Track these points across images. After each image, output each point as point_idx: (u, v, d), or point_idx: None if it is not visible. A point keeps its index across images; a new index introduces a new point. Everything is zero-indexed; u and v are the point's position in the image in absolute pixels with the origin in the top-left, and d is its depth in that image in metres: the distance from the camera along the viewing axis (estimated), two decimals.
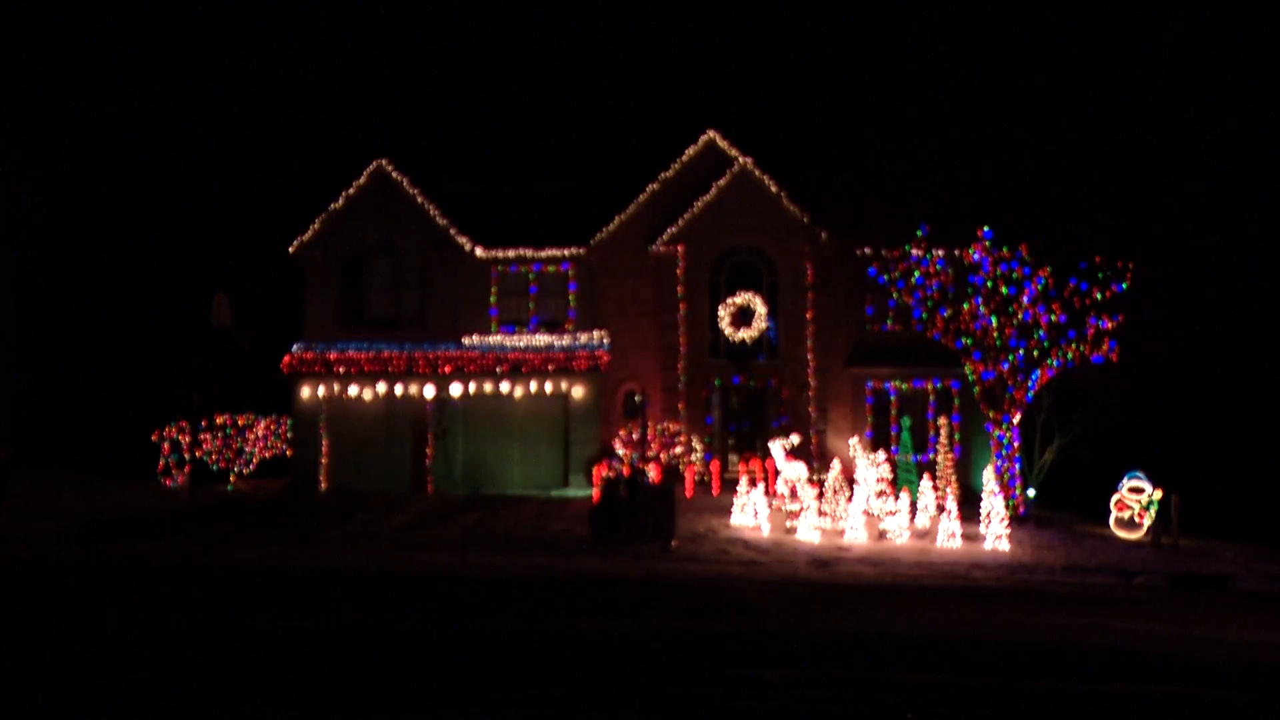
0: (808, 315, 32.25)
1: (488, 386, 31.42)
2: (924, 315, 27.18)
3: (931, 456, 31.57)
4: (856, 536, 23.21)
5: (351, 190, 33.31)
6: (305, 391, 31.91)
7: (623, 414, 32.91)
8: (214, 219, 44.03)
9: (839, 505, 24.44)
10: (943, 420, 29.16)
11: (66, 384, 40.32)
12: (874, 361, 32.34)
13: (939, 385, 32.00)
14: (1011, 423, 26.49)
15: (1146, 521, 24.53)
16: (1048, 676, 11.19)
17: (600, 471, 28.08)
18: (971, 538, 22.88)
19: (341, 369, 31.62)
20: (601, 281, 33.23)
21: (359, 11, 62.58)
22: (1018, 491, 26.50)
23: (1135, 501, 24.72)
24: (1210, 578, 20.18)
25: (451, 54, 56.69)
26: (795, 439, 25.80)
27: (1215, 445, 33.86)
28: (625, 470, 28.13)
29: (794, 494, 24.34)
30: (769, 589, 17.32)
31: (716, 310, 32.41)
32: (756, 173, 32.52)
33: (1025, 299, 26.18)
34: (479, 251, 33.16)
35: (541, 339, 32.64)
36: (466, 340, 32.73)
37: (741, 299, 32.26)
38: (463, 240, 32.94)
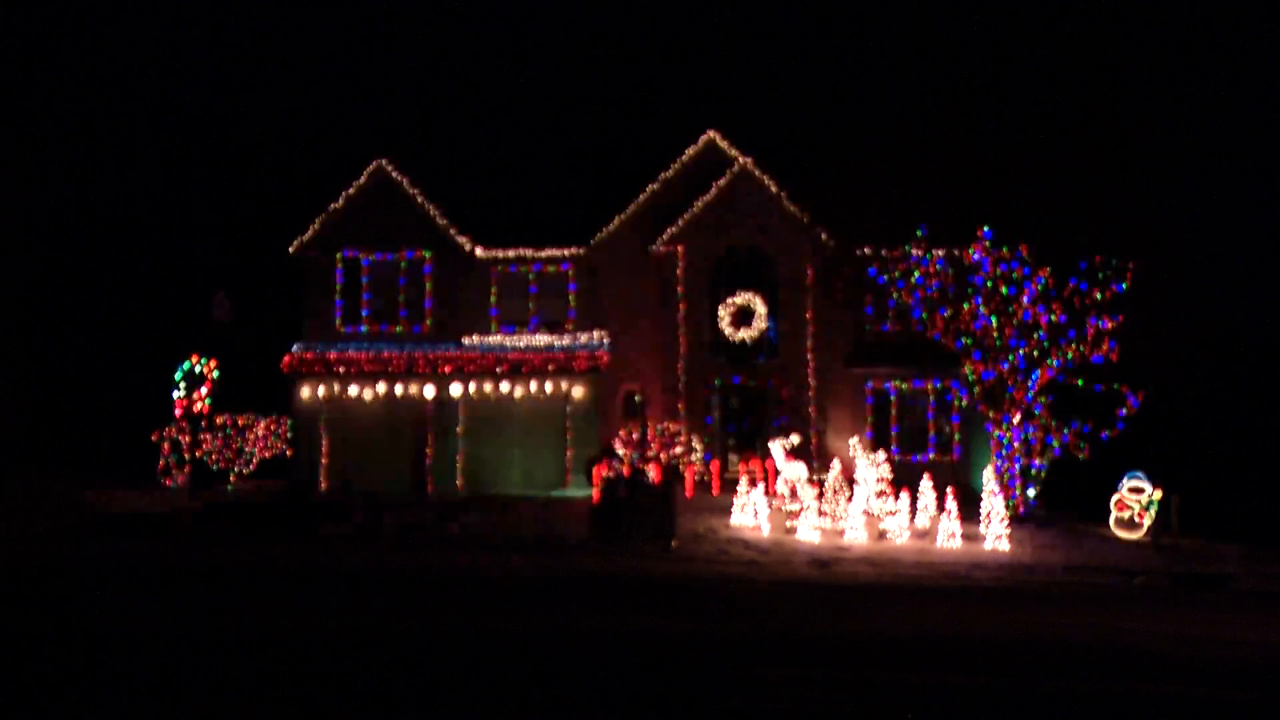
0: (808, 315, 32.24)
1: (488, 386, 31.40)
2: (924, 315, 27.17)
3: (931, 457, 31.58)
4: (856, 536, 23.20)
5: (351, 190, 33.29)
6: (305, 391, 31.90)
7: (623, 414, 32.90)
8: (214, 218, 44.02)
9: (839, 505, 24.44)
10: (942, 420, 29.07)
11: (66, 383, 40.31)
12: (874, 361, 32.33)
13: (939, 385, 31.99)
14: (1011, 423, 26.49)
15: (1146, 521, 24.52)
16: (1048, 676, 11.19)
17: (600, 471, 28.06)
18: (971, 538, 22.87)
19: (341, 369, 31.61)
20: (601, 281, 33.23)
21: (359, 11, 62.59)
22: (1018, 491, 26.49)
23: (1135, 501, 24.72)
24: (1210, 578, 20.17)
25: (451, 53, 56.68)
26: (795, 439, 25.79)
27: (1215, 445, 33.85)
28: (625, 470, 28.14)
29: (794, 494, 24.35)
30: (769, 589, 17.32)
31: (716, 310, 32.40)
32: (756, 173, 32.51)
33: (1025, 299, 26.18)
34: (479, 251, 33.16)
35: (541, 339, 32.63)
36: (466, 340, 32.72)
37: (741, 299, 32.26)
38: (463, 240, 32.93)
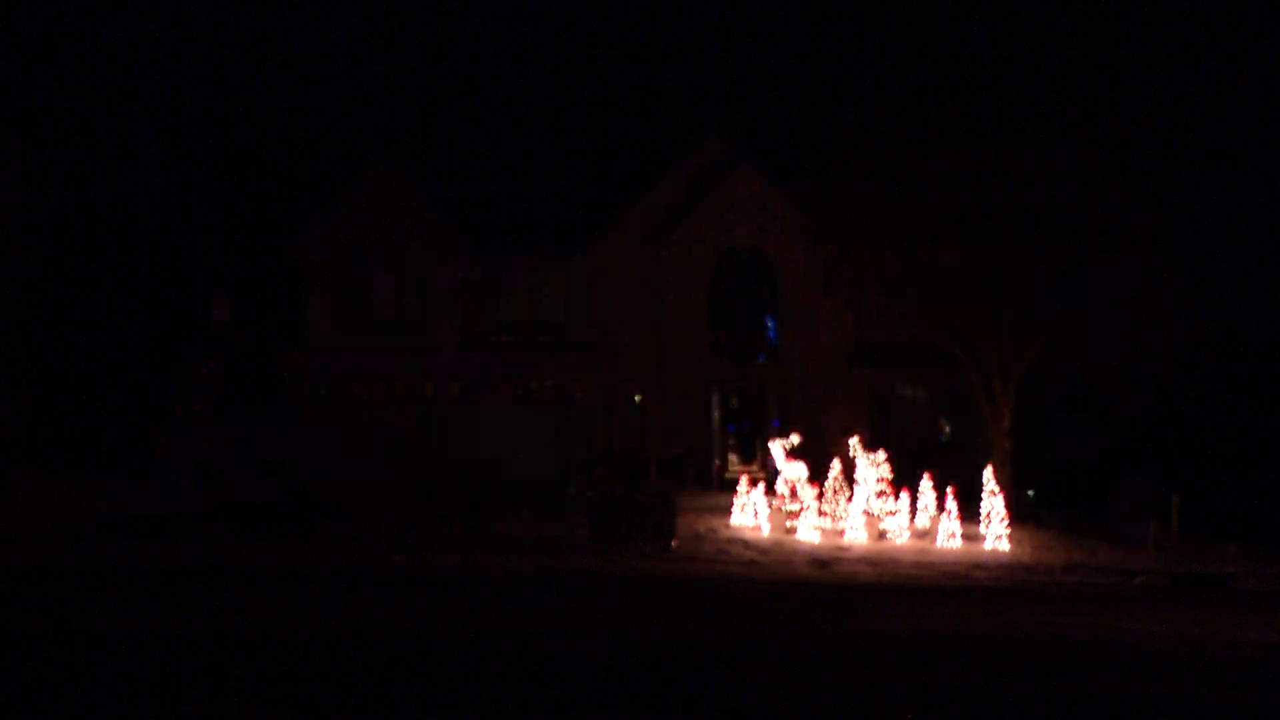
0: (808, 315, 32.22)
1: (488, 386, 31.40)
2: (924, 315, 27.16)
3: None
4: (856, 536, 23.20)
5: (352, 191, 33.28)
6: (305, 391, 31.89)
7: (623, 414, 32.88)
8: (214, 218, 43.99)
9: (839, 505, 24.44)
10: (942, 420, 29.07)
11: (66, 383, 40.28)
12: (874, 361, 32.30)
13: (939, 385, 31.95)
14: (1011, 422, 26.48)
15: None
16: (1048, 676, 11.19)
17: (600, 472, 28.06)
18: (971, 538, 22.88)
19: (341, 369, 31.60)
20: (601, 282, 33.21)
21: (359, 12, 62.61)
22: (1018, 491, 26.48)
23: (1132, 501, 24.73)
24: (1210, 577, 20.18)
25: (450, 54, 56.70)
26: (795, 439, 25.78)
27: (1215, 445, 33.83)
28: (625, 470, 28.16)
29: (794, 494, 24.36)
30: (769, 589, 17.32)
31: (716, 310, 32.38)
32: (756, 173, 32.50)
33: (1025, 298, 26.17)
34: (479, 252, 33.15)
35: (541, 339, 32.62)
36: (466, 341, 32.72)
37: (741, 299, 32.24)
38: (462, 240, 32.93)
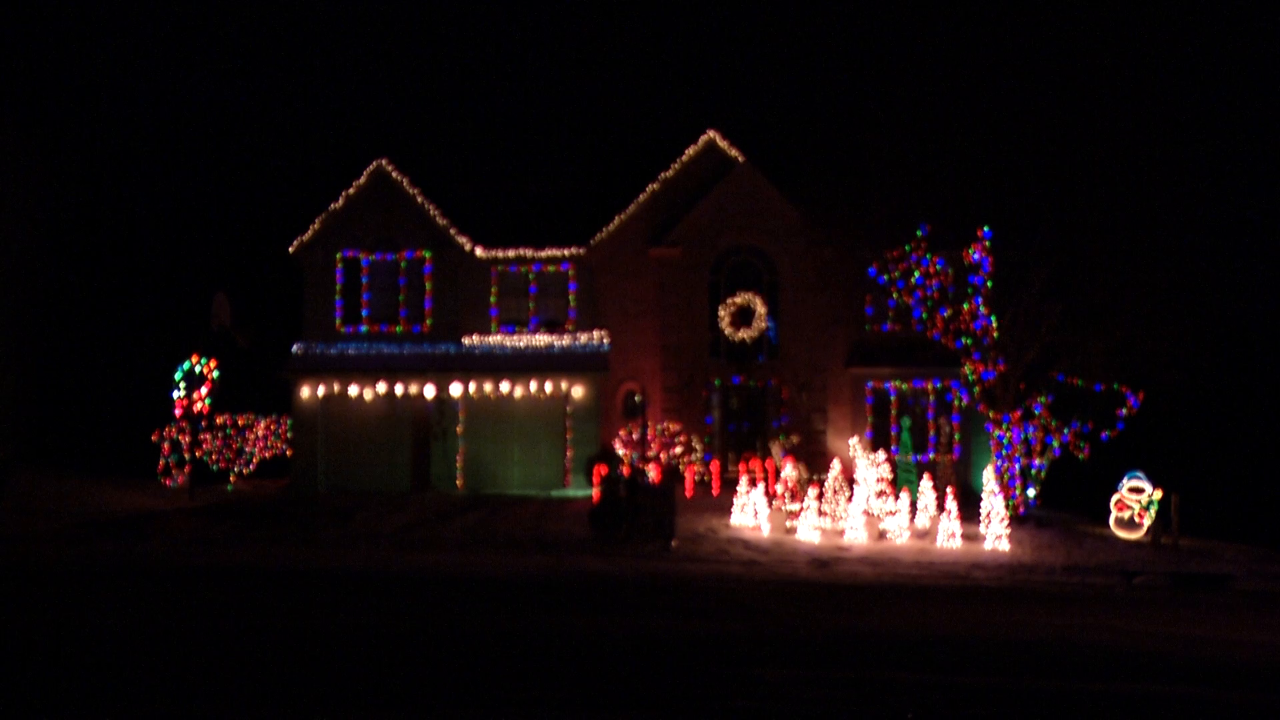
0: (808, 315, 32.22)
1: (488, 386, 31.42)
2: (924, 315, 27.15)
3: (932, 457, 31.56)
4: (856, 536, 23.21)
5: (351, 190, 33.29)
6: (305, 391, 31.91)
7: (623, 414, 32.89)
8: (214, 219, 44.04)
9: (839, 505, 24.45)
10: (942, 420, 29.12)
11: (66, 384, 40.31)
12: (874, 361, 32.31)
13: (939, 385, 31.97)
14: (1011, 422, 26.47)
15: (1146, 521, 24.52)
16: (1048, 676, 11.19)
17: (600, 471, 28.05)
18: (971, 538, 22.88)
19: (341, 369, 31.61)
20: (601, 281, 33.23)
21: (359, 11, 62.62)
22: (1018, 491, 26.49)
23: (1135, 501, 24.72)
24: (1210, 578, 20.18)
25: (451, 53, 56.71)
26: (794, 439, 25.80)
27: (1215, 445, 33.84)
28: (625, 470, 28.14)
29: (794, 494, 24.36)
30: (769, 589, 17.32)
31: (716, 310, 32.40)
32: (756, 173, 32.50)
33: (1025, 299, 26.15)
34: (479, 251, 33.15)
35: (541, 339, 32.63)
36: (466, 340, 32.73)
37: (741, 299, 32.25)
38: (463, 240, 32.94)
